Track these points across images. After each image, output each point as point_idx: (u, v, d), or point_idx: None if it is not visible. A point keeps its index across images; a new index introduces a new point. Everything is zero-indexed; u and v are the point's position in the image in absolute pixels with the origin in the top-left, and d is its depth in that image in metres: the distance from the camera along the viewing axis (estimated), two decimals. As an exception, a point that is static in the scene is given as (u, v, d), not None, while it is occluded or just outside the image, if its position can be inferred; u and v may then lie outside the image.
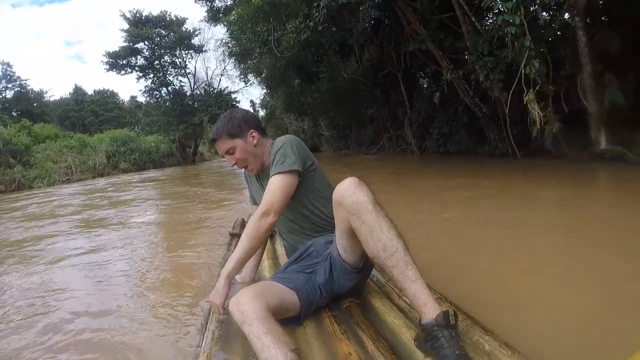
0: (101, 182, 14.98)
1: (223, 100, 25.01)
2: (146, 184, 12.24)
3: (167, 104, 26.19)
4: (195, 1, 20.23)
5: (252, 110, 37.24)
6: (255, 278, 2.11)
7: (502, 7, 5.84)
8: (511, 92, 7.39)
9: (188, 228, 4.85)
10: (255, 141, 1.87)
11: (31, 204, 9.01)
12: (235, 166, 1.93)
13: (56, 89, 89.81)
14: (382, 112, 17.70)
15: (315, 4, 8.65)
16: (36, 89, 48.37)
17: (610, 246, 2.84)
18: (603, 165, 6.99)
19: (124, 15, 25.22)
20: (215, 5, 19.73)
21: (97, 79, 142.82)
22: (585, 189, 5.36)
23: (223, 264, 2.08)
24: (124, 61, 25.21)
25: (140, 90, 40.31)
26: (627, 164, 6.77)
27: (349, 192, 1.44)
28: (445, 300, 1.59)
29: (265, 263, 2.37)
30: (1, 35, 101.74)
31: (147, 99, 28.84)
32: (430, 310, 1.30)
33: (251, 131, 1.87)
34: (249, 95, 59.23)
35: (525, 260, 2.75)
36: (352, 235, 1.49)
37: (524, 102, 7.03)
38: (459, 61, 9.63)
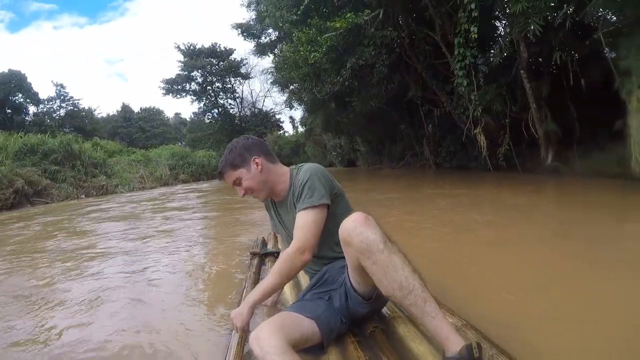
0: (168, 189, 18.88)
1: (268, 121, 29.41)
2: (205, 192, 15.75)
3: (219, 123, 30.60)
4: (245, 39, 25.01)
5: (294, 127, 40.57)
6: (278, 306, 2.23)
7: (457, 72, 9.38)
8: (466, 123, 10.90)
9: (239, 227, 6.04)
10: (259, 167, 1.90)
11: (127, 203, 12.95)
12: (246, 196, 1.97)
13: (102, 106, 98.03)
14: (409, 132, 21.03)
15: (344, 66, 12.39)
16: (84, 106, 53.48)
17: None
18: (549, 178, 10.31)
19: (178, 47, 30.16)
20: (261, 41, 24.32)
21: (138, 95, 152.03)
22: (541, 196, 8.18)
23: (244, 285, 2.56)
24: (179, 87, 30.03)
25: (194, 112, 45.55)
26: (562, 175, 10.11)
27: (357, 231, 1.45)
28: (470, 327, 1.65)
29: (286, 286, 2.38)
30: (46, 55, 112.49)
31: (198, 118, 33.69)
32: (453, 344, 1.34)
33: (253, 158, 1.90)
34: (290, 112, 64.57)
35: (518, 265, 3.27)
36: (364, 270, 1.50)
37: (473, 134, 10.51)
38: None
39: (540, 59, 10.62)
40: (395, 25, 11.28)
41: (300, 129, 42.52)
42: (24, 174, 15.63)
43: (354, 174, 21.94)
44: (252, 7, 24.45)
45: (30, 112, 47.21)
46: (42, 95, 48.07)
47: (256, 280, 2.70)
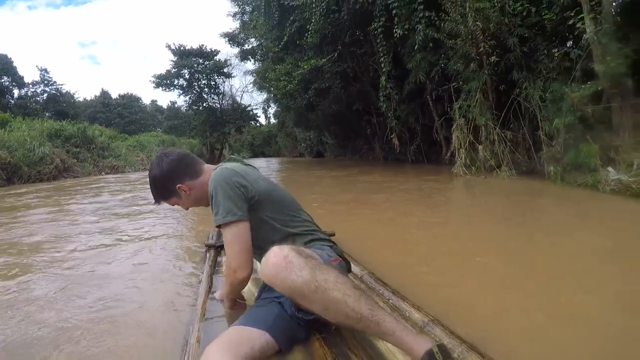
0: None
1: (246, 115, 34.95)
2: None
3: (203, 116, 35.79)
4: (231, 46, 30.31)
5: (266, 117, 45.38)
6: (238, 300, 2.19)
7: (381, 97, 14.83)
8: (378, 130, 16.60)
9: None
10: (188, 191, 1.97)
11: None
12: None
13: (75, 88, 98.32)
14: (367, 129, 26.50)
15: (309, 88, 17.58)
16: (65, 90, 55.39)
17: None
18: (446, 166, 15.85)
19: (169, 47, 35.27)
20: (244, 48, 29.72)
21: (110, 79, 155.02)
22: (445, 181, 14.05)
23: (200, 279, 2.86)
24: (168, 81, 35.04)
25: (172, 100, 49.66)
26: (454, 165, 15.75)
27: (279, 278, 1.42)
28: (436, 322, 1.77)
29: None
30: (20, 35, 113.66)
31: (174, 106, 38.84)
32: (417, 352, 1.36)
33: (178, 186, 1.95)
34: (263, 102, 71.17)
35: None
36: None
37: (390, 138, 16.16)
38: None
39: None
40: (345, 60, 16.79)
41: (273, 120, 47.76)
42: (57, 153, 20.56)
43: (319, 164, 26.57)
44: (237, 16, 29.23)
45: (15, 95, 49.28)
46: (26, 79, 50.41)
47: (211, 273, 2.84)
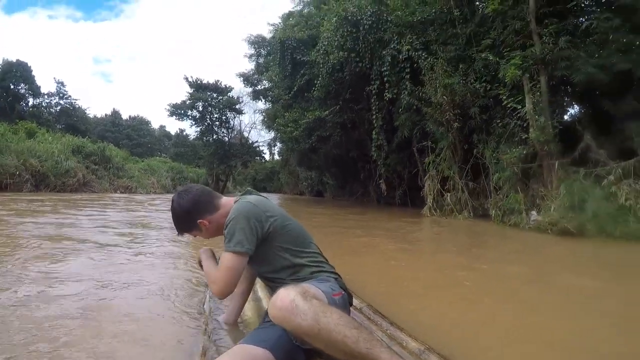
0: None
1: (253, 151, 37.95)
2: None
3: (212, 148, 38.93)
4: (245, 86, 33.59)
5: (270, 153, 47.55)
6: (239, 320, 2.49)
7: (373, 147, 17.60)
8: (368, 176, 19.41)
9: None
10: (208, 225, 2.15)
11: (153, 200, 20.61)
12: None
13: (84, 104, 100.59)
14: (362, 173, 29.07)
15: (312, 135, 20.32)
16: (78, 105, 58.56)
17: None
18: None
19: (187, 79, 38.55)
20: (257, 89, 32.96)
21: (121, 99, 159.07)
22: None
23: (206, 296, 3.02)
24: (182, 111, 38.35)
25: (180, 128, 52.10)
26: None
27: (286, 320, 1.53)
28: (432, 351, 1.92)
29: (247, 306, 2.63)
30: (37, 42, 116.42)
31: (183, 134, 41.95)
32: None
33: (199, 222, 2.14)
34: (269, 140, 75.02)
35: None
36: None
37: (378, 183, 18.93)
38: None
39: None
40: (345, 112, 19.65)
41: (277, 157, 49.72)
42: (79, 168, 23.25)
43: (318, 202, 29.19)
44: (253, 58, 32.24)
45: (30, 103, 52.15)
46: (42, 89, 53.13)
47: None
